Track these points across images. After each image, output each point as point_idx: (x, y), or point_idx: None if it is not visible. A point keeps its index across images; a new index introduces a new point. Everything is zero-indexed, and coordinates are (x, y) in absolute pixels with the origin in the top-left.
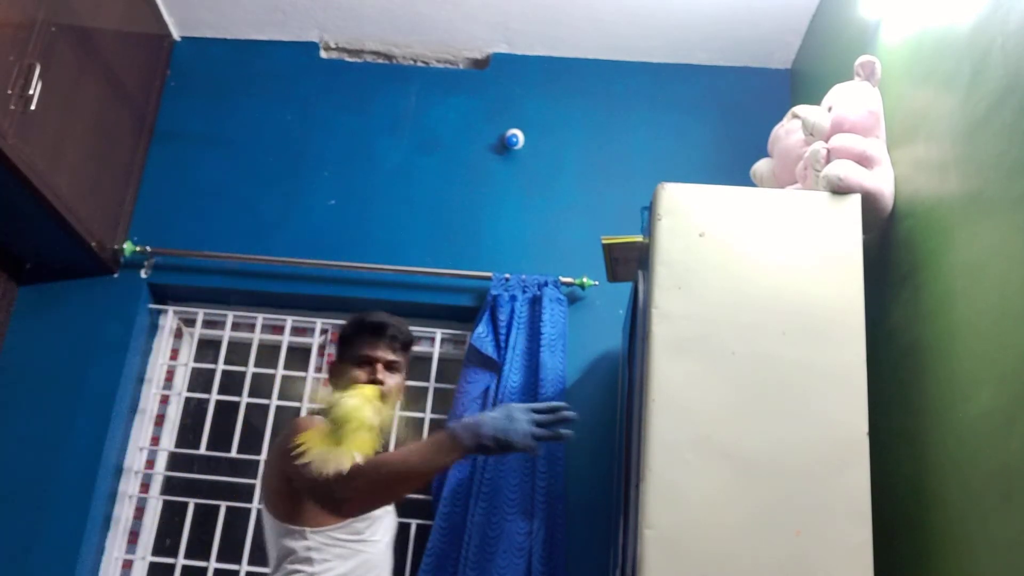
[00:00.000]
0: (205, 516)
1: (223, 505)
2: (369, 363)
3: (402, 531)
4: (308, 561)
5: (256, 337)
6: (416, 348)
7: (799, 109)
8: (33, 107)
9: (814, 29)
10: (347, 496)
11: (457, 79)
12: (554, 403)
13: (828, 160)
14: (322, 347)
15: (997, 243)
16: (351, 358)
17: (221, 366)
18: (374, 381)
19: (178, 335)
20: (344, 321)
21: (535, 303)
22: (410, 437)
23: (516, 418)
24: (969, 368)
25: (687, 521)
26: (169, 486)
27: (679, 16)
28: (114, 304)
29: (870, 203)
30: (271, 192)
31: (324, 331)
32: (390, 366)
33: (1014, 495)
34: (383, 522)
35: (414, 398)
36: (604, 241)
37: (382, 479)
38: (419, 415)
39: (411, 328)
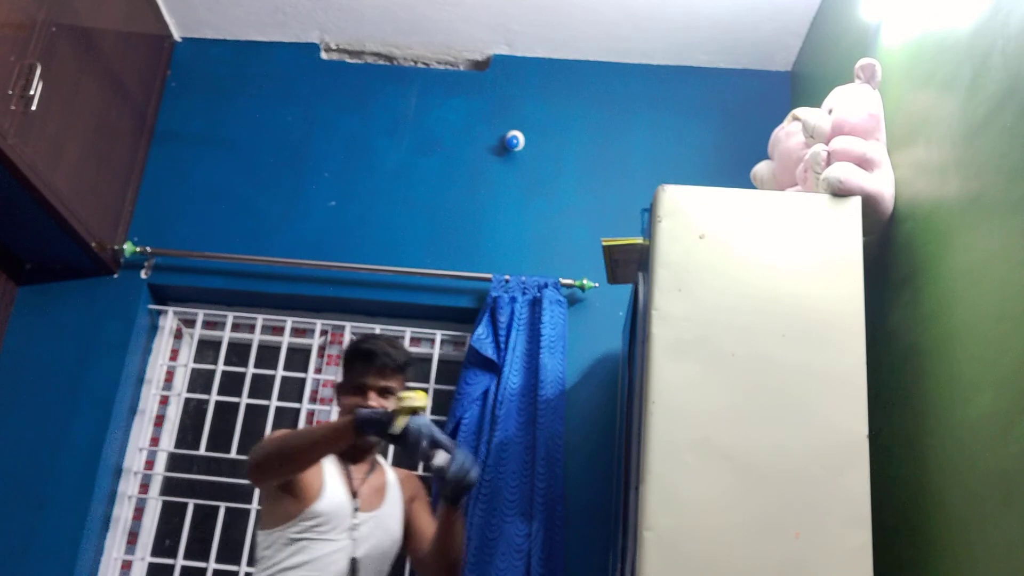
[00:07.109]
0: (204, 517)
1: (222, 506)
2: (362, 391)
3: None
4: (264, 559)
5: (256, 338)
6: (416, 349)
7: (799, 111)
8: (34, 107)
9: (815, 31)
10: (253, 459)
11: (457, 80)
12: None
13: (828, 162)
14: (322, 348)
15: (997, 246)
16: (348, 384)
17: (221, 367)
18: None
19: (178, 336)
20: (337, 322)
21: (535, 305)
22: None
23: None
24: (969, 371)
25: (686, 523)
26: (168, 487)
27: (679, 18)
28: (114, 304)
29: (870, 206)
30: (271, 192)
31: (324, 332)
32: (383, 392)
33: (1013, 498)
34: (342, 524)
35: None
36: (604, 243)
37: (287, 443)
38: None
39: (411, 329)
